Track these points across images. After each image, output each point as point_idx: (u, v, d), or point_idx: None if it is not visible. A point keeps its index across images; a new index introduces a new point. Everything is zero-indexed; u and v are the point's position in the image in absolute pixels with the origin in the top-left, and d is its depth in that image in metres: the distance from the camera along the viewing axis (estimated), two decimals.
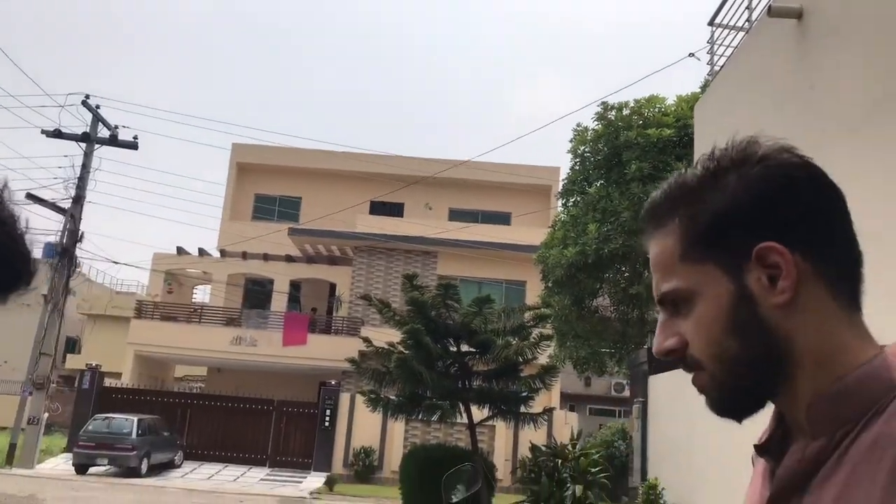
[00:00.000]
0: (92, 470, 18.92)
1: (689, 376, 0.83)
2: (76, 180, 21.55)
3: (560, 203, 16.62)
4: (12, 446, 19.40)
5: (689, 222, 0.81)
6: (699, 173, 0.83)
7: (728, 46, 9.64)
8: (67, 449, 20.86)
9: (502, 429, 20.14)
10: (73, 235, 21.20)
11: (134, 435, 18.76)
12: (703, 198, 0.81)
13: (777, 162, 0.81)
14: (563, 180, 16.83)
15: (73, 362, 31.12)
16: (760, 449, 0.84)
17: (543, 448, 10.10)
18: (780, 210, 0.78)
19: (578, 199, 15.62)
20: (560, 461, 9.48)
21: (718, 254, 0.79)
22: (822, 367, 0.76)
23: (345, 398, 22.18)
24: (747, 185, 0.79)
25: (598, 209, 14.56)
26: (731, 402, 0.80)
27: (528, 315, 11.63)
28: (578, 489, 8.94)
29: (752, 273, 0.77)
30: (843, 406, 0.74)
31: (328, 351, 23.54)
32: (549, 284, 15.87)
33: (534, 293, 20.83)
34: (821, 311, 0.77)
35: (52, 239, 22.20)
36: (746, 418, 0.81)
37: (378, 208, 29.10)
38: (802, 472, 0.75)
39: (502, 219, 28.91)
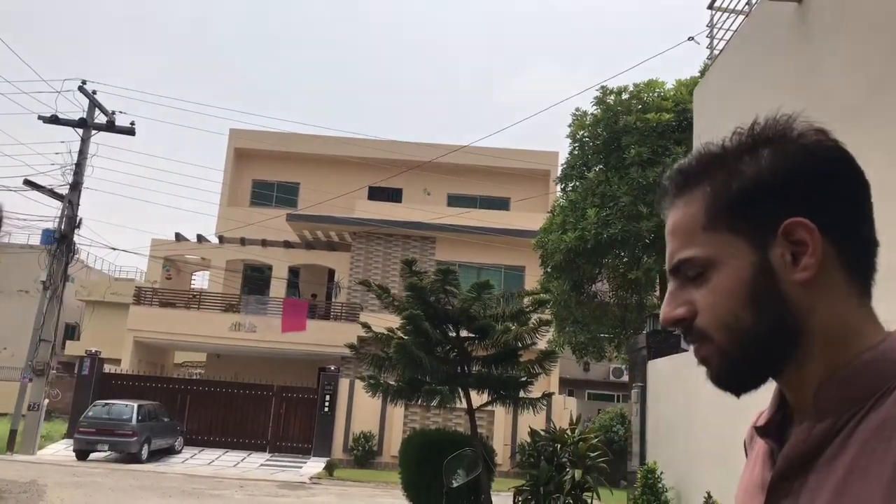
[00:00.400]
0: (93, 456, 19.01)
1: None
2: (73, 166, 21.48)
3: (559, 188, 16.59)
4: (13, 432, 19.48)
5: (720, 190, 0.80)
6: (735, 143, 0.83)
7: (728, 30, 9.58)
8: (68, 435, 20.94)
9: (501, 414, 20.23)
10: (70, 222, 21.15)
11: (134, 421, 18.84)
12: (737, 167, 0.80)
13: (814, 141, 0.80)
14: (562, 165, 16.78)
15: (73, 349, 31.17)
16: (761, 430, 0.83)
17: (542, 433, 10.13)
18: (812, 189, 0.78)
19: (577, 184, 15.58)
20: (559, 446, 9.52)
21: (745, 225, 0.78)
22: (833, 349, 0.76)
23: (344, 384, 22.25)
24: (783, 160, 0.79)
25: (598, 194, 14.52)
26: (734, 374, 0.80)
27: (526, 300, 11.62)
28: (577, 473, 8.99)
29: (777, 248, 0.77)
30: (851, 388, 0.74)
31: (327, 337, 23.60)
32: (548, 269, 15.87)
33: (532, 278, 20.83)
34: (837, 293, 0.77)
35: (50, 225, 22.20)
36: (745, 393, 0.81)
37: (376, 194, 29.05)
38: (808, 453, 0.75)
39: (501, 204, 28.89)
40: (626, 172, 14.34)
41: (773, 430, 0.81)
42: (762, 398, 0.85)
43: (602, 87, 15.79)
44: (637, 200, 13.82)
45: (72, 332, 34.30)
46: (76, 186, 21.39)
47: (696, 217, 0.81)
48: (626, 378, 19.46)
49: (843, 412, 0.73)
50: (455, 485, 2.53)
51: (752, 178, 0.79)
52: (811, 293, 0.76)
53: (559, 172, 16.86)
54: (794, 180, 0.78)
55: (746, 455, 0.91)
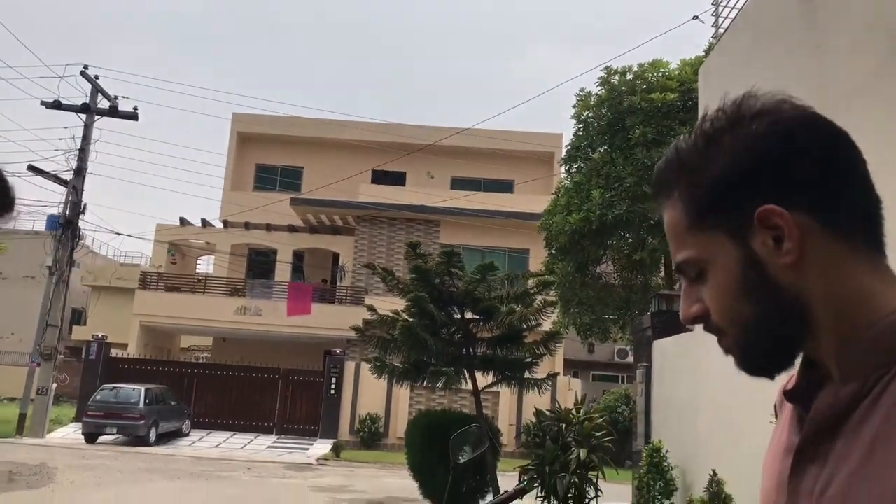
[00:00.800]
0: (101, 439, 19.18)
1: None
2: (77, 152, 21.50)
3: (563, 169, 16.53)
4: (22, 416, 19.65)
5: (690, 191, 0.80)
6: (695, 139, 0.81)
7: (733, 8, 9.50)
8: (76, 419, 21.12)
9: (506, 395, 20.33)
10: (75, 207, 21.20)
11: (141, 404, 18.98)
12: (700, 165, 0.79)
13: (773, 118, 0.78)
14: (566, 146, 16.72)
15: (79, 334, 31.34)
16: (789, 394, 0.82)
17: (548, 413, 10.16)
18: (778, 168, 0.76)
19: (582, 165, 15.52)
20: (564, 425, 9.54)
21: (722, 220, 0.78)
22: (847, 318, 0.75)
23: (350, 366, 22.37)
24: (742, 145, 0.77)
25: (602, 175, 14.48)
26: (756, 362, 0.80)
27: (531, 282, 11.62)
28: (583, 452, 9.01)
29: (758, 237, 0.76)
30: (876, 351, 0.72)
31: (332, 320, 23.67)
32: (553, 251, 15.86)
33: (537, 261, 20.83)
34: (834, 264, 0.75)
35: (55, 211, 22.26)
36: (777, 375, 0.80)
37: (380, 177, 29.02)
38: (835, 416, 0.73)
39: (505, 187, 28.83)
40: (630, 153, 14.28)
41: (801, 394, 0.80)
42: (772, 386, 0.84)
43: (606, 68, 15.72)
44: (642, 181, 13.77)
45: (78, 317, 34.48)
46: (80, 172, 21.42)
47: (679, 220, 0.81)
48: (630, 359, 19.50)
49: (870, 376, 0.72)
50: (461, 461, 2.56)
51: (716, 173, 0.78)
52: (804, 272, 0.75)
53: (563, 154, 16.80)
54: (756, 165, 0.76)
55: (776, 416, 0.90)
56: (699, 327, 0.83)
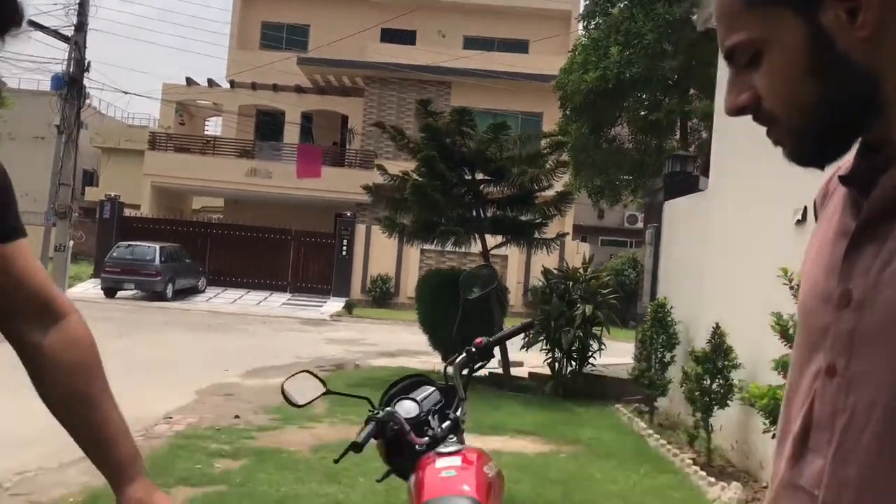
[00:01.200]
0: (120, 294, 19.80)
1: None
2: (76, 6, 20.73)
3: (581, 26, 15.88)
4: None
5: None
6: None
7: None
8: (94, 275, 21.72)
9: (515, 257, 20.64)
10: (79, 64, 20.71)
11: (157, 261, 19.43)
12: None
13: None
14: (584, 2, 15.98)
15: (92, 195, 31.60)
16: (846, 179, 0.77)
17: (555, 271, 10.33)
18: None
19: (601, 21, 14.88)
20: (571, 283, 9.72)
21: None
22: None
23: (361, 229, 22.64)
24: None
25: (621, 31, 13.90)
26: (811, 148, 0.75)
27: (544, 143, 11.47)
28: (588, 308, 9.24)
29: (829, 10, 0.69)
30: None
31: (342, 183, 23.65)
32: (568, 112, 15.54)
33: (550, 125, 20.44)
34: None
35: (59, 69, 21.78)
36: (830, 164, 0.76)
37: (389, 36, 28.00)
38: None
39: (519, 47, 27.82)
40: (651, 8, 13.64)
41: (859, 178, 0.75)
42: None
43: None
44: (662, 38, 13.23)
45: (90, 178, 34.67)
46: (81, 27, 20.74)
47: None
48: (640, 225, 19.58)
49: None
50: (470, 297, 2.65)
51: None
52: (879, 47, 0.68)
53: (581, 10, 16.07)
54: None
55: (816, 217, 0.86)
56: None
